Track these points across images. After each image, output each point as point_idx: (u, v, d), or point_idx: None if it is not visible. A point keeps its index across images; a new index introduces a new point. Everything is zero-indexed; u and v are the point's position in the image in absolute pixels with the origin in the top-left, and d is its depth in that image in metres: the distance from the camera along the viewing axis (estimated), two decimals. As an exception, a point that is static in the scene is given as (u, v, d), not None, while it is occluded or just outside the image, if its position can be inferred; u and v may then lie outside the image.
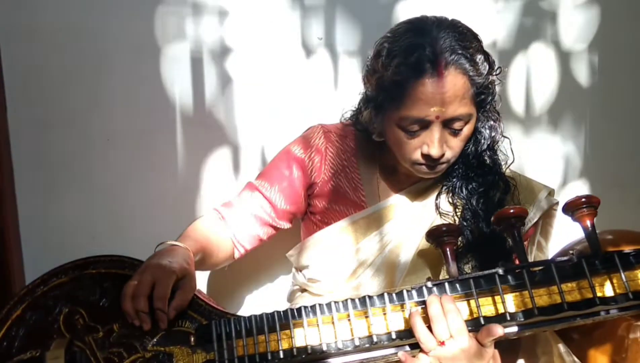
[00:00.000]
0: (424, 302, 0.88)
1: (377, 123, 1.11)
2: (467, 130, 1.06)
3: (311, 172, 1.20)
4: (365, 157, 1.22)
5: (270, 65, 1.45)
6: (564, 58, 1.56)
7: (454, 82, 1.00)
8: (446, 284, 0.90)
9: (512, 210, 0.91)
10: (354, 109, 1.23)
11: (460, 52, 1.00)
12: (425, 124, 1.03)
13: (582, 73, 1.59)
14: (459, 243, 1.09)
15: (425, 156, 1.05)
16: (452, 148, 1.06)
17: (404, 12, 1.42)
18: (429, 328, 0.86)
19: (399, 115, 1.04)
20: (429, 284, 0.90)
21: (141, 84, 1.41)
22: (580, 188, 1.63)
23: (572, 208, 0.90)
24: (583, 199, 0.89)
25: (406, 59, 1.01)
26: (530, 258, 1.13)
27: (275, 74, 1.45)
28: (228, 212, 1.20)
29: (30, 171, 1.40)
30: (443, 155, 1.05)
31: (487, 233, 1.10)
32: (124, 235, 1.41)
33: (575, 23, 1.56)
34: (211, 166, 1.45)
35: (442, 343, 0.85)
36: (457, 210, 1.15)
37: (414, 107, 1.01)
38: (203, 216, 1.22)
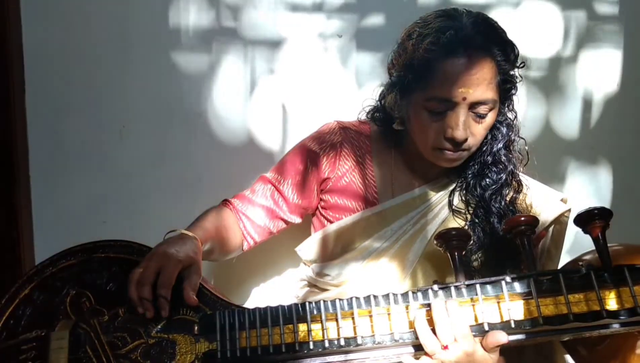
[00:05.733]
0: (429, 305, 0.88)
1: (402, 107, 1.11)
2: (490, 117, 1.07)
3: (325, 167, 1.20)
4: (380, 154, 1.22)
5: (288, 60, 1.45)
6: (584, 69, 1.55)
7: (483, 65, 1.01)
8: (452, 288, 0.89)
9: (522, 218, 0.90)
10: (372, 105, 1.24)
11: (490, 37, 1.03)
12: (451, 105, 1.03)
13: (601, 80, 1.58)
14: (470, 242, 1.10)
15: (449, 139, 1.05)
16: (474, 134, 1.07)
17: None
18: (434, 331, 0.85)
19: (425, 96, 1.04)
20: (435, 287, 0.89)
21: (159, 73, 1.42)
22: (594, 202, 1.61)
23: (584, 219, 0.89)
24: (595, 211, 0.88)
25: (438, 39, 1.02)
26: (540, 268, 1.12)
27: (292, 70, 1.45)
28: (240, 204, 1.21)
29: (46, 154, 1.41)
30: (466, 139, 1.05)
31: (498, 231, 1.10)
32: (134, 220, 1.43)
33: (600, 32, 1.54)
34: (224, 156, 1.46)
35: (446, 347, 0.84)
36: (469, 207, 1.15)
37: (442, 87, 1.02)
38: (215, 206, 1.22)
